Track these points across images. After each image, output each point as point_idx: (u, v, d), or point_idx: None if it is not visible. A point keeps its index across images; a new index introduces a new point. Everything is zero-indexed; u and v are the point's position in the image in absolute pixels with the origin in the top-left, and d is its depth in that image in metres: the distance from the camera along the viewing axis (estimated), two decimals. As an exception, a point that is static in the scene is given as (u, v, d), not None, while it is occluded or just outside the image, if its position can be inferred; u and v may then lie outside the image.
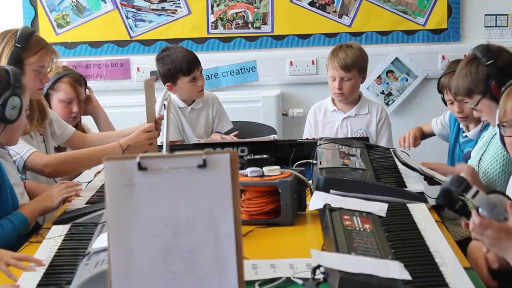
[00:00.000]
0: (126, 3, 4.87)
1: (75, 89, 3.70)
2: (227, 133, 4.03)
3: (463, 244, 2.44)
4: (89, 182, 3.31)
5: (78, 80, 3.75)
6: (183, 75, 3.91)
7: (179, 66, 3.90)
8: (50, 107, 3.66)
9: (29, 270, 2.20)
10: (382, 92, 4.93)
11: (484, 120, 3.07)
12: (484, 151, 3.06)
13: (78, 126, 3.78)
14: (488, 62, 2.93)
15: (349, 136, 3.84)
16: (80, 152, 3.36)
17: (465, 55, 4.73)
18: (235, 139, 3.77)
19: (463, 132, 3.60)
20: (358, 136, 3.85)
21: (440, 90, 3.62)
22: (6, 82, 2.76)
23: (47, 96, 3.69)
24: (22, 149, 3.10)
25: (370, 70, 4.85)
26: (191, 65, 3.90)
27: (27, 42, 3.25)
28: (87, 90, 3.88)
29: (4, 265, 2.19)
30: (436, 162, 3.37)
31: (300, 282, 2.02)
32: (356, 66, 3.83)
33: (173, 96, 3.99)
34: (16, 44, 3.22)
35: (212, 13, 4.89)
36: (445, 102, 3.59)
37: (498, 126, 2.47)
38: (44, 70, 3.28)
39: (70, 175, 3.44)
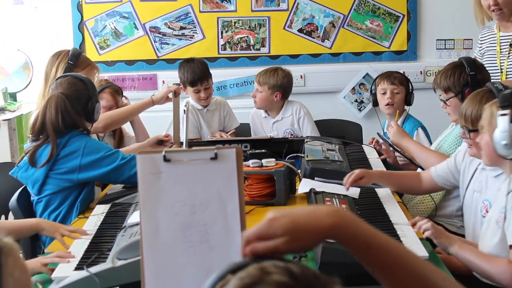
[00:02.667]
0: (154, 30, 4.86)
1: (115, 98, 3.68)
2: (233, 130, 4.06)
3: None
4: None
5: (117, 91, 3.73)
6: (189, 86, 3.91)
7: (186, 78, 3.89)
8: None
9: (78, 239, 2.21)
10: (356, 100, 4.92)
11: (447, 112, 3.03)
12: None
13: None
14: (472, 73, 2.92)
15: (280, 135, 3.87)
16: (120, 109, 3.50)
17: (420, 72, 4.77)
18: (233, 137, 3.79)
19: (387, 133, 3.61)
20: (287, 134, 3.89)
21: (372, 90, 3.72)
22: (88, 92, 2.82)
23: None
24: None
25: (345, 84, 4.86)
26: (195, 81, 3.88)
27: (77, 60, 3.25)
28: (124, 99, 3.87)
29: (60, 235, 2.21)
30: None
31: (291, 250, 2.02)
32: (266, 84, 3.84)
33: (192, 102, 3.99)
34: (69, 62, 3.22)
35: (222, 37, 4.88)
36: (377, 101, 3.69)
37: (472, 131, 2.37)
38: None
39: (118, 126, 3.60)
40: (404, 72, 4.55)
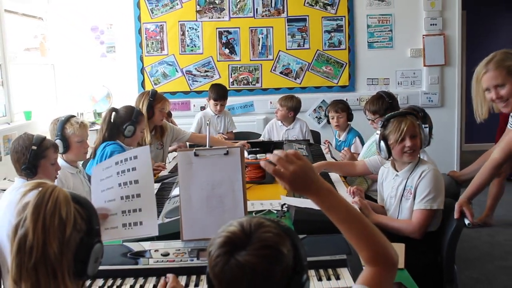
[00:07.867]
0: (188, 72, 4.86)
1: (167, 118, 3.55)
2: (229, 134, 3.97)
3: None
4: (169, 162, 3.30)
5: (169, 113, 3.64)
6: (213, 100, 3.88)
7: (213, 95, 3.86)
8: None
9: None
10: (316, 117, 4.92)
11: (374, 127, 2.91)
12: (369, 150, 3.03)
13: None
14: (390, 101, 2.90)
15: (290, 139, 3.75)
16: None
17: (357, 99, 4.77)
18: (238, 141, 3.72)
19: (338, 140, 3.57)
20: (295, 138, 3.75)
21: (326, 114, 3.58)
22: (129, 117, 2.76)
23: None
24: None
25: (309, 107, 4.86)
26: (216, 99, 3.84)
27: (154, 96, 3.16)
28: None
29: None
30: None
31: (275, 212, 2.02)
32: (285, 106, 3.74)
33: (209, 110, 3.94)
34: (150, 98, 3.14)
35: (231, 77, 4.88)
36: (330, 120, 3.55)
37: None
38: (164, 110, 3.19)
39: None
40: (346, 99, 4.56)
